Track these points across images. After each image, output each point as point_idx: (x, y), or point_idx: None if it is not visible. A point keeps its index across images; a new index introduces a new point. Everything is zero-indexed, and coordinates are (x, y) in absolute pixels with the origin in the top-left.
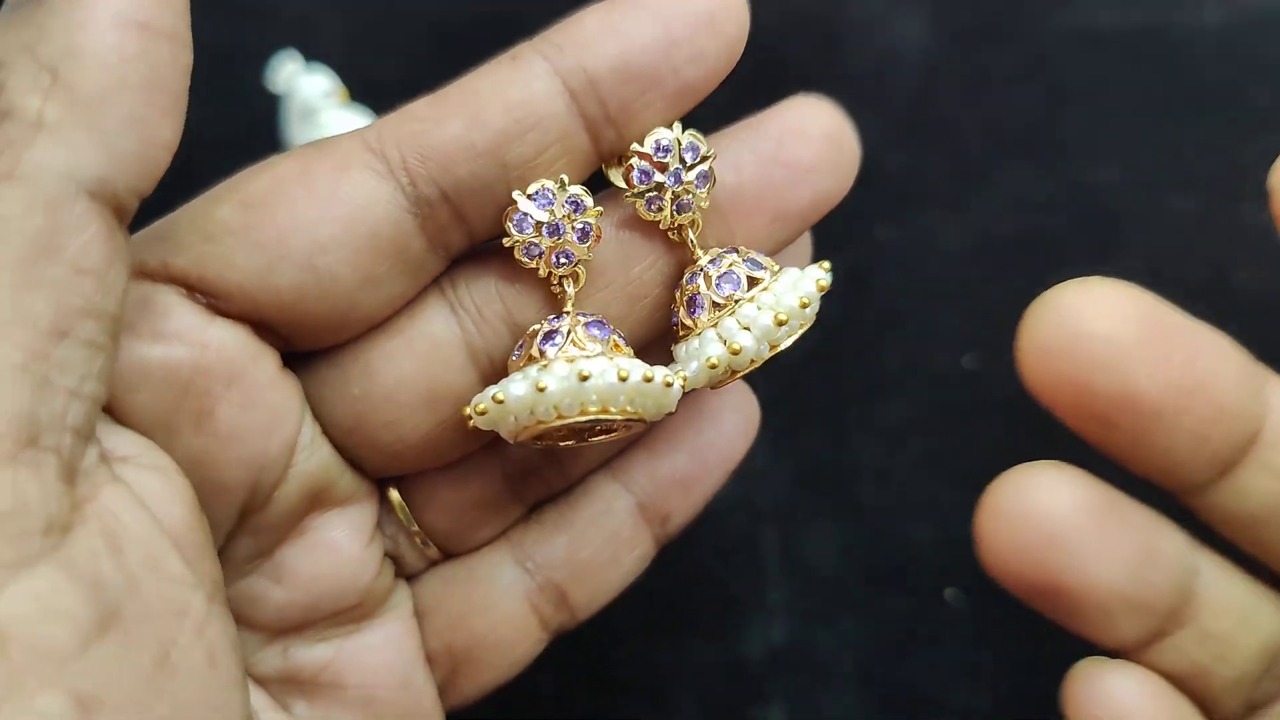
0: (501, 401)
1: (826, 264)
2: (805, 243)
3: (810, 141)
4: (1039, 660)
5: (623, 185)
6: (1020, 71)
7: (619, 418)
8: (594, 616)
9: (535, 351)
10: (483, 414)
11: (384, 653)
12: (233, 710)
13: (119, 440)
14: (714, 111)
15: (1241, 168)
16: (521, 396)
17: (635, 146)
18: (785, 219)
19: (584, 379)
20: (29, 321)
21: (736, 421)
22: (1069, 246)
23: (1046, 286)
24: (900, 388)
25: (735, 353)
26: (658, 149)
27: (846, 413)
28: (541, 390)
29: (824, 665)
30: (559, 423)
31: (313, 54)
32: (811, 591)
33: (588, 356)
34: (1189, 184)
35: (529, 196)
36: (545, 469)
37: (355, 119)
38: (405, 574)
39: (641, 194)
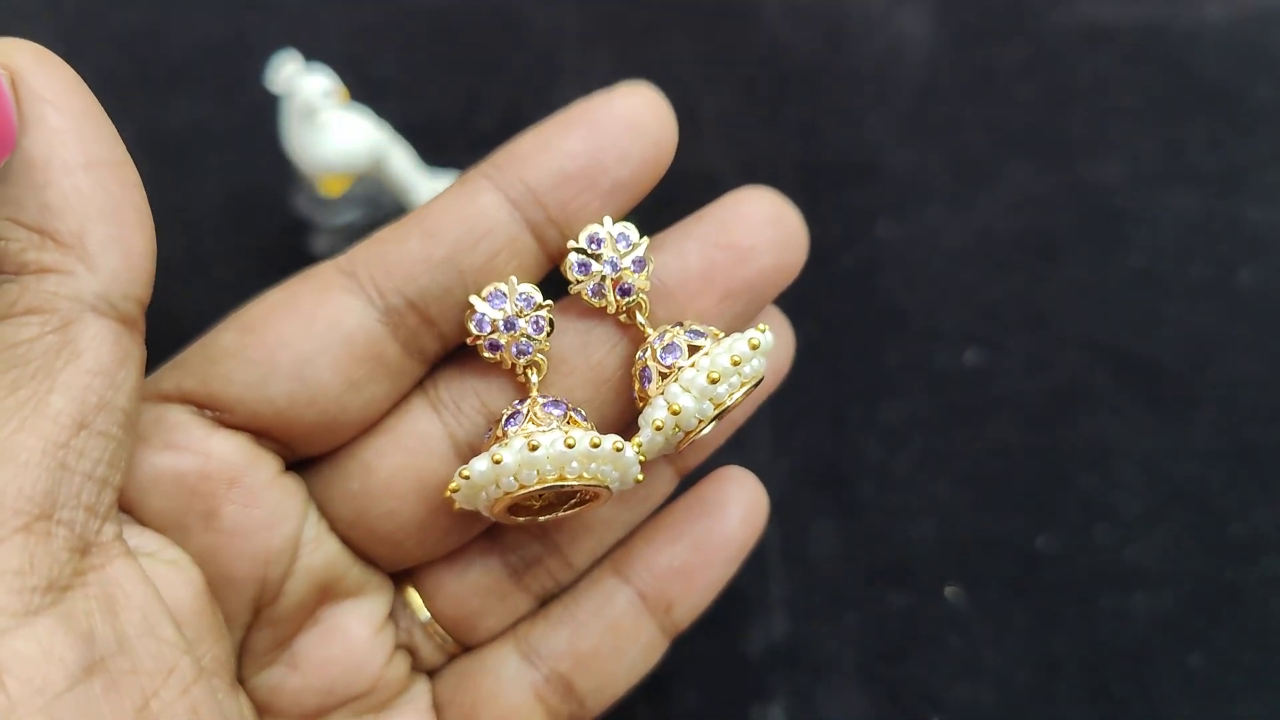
0: (468, 477)
1: (764, 326)
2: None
3: (750, 224)
4: (1039, 657)
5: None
6: (1023, 69)
7: (577, 484)
8: None
9: (499, 432)
10: (456, 490)
11: None
12: None
13: (142, 538)
14: (720, 115)
15: (1243, 165)
16: (484, 470)
17: (570, 243)
18: (733, 296)
19: (534, 449)
20: (49, 417)
21: (740, 512)
22: (1071, 244)
23: (1047, 284)
24: (902, 385)
25: (675, 412)
26: (591, 241)
27: (848, 410)
28: (498, 462)
29: (825, 662)
30: (522, 492)
31: (312, 53)
32: (812, 588)
33: (542, 430)
34: (1191, 181)
35: (484, 298)
36: (547, 559)
37: (355, 118)
38: (424, 668)
39: (583, 283)
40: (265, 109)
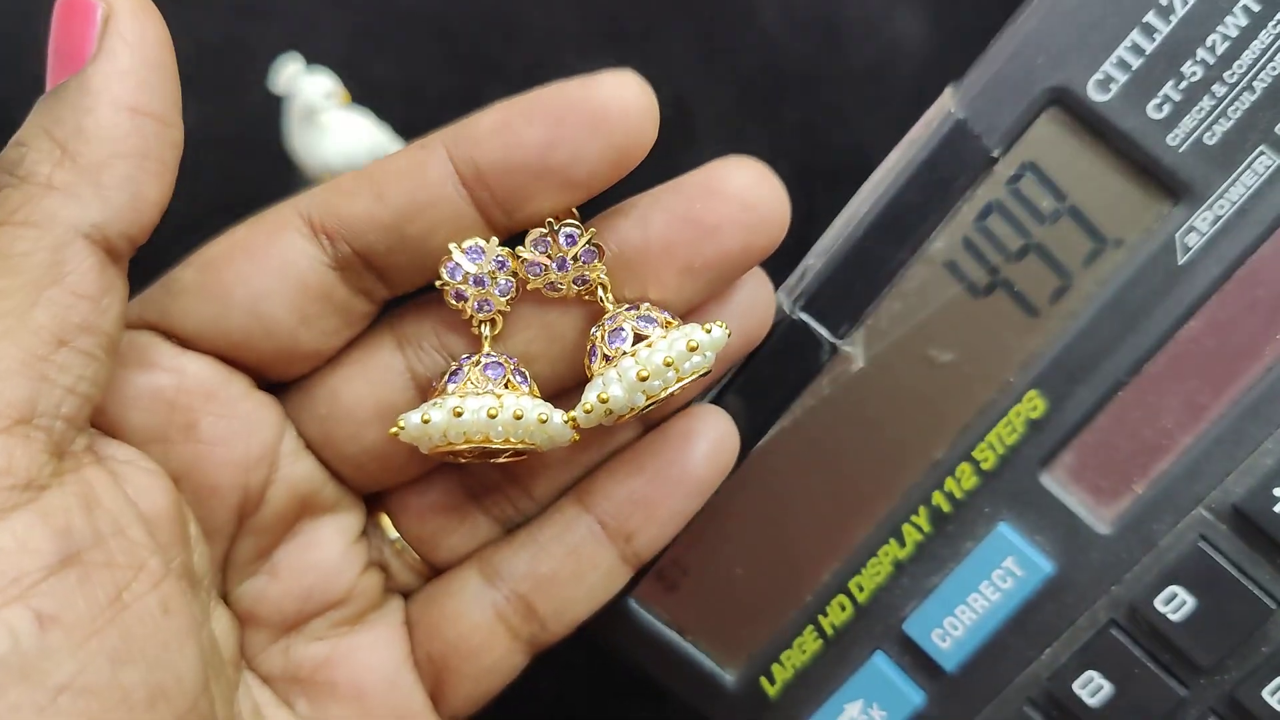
0: (403, 427)
1: (710, 325)
2: (762, 286)
3: (720, 200)
4: None
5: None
6: None
7: (503, 445)
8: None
9: (440, 386)
10: (399, 432)
11: (373, 652)
12: (183, 655)
13: (119, 450)
14: (718, 116)
15: None
16: (415, 424)
17: (519, 248)
18: (693, 274)
19: (458, 415)
20: (32, 329)
21: (706, 447)
22: None
23: None
24: None
25: (604, 400)
26: (537, 244)
27: None
28: (426, 422)
29: None
30: (450, 448)
31: (313, 54)
32: None
33: (475, 394)
34: None
35: (463, 250)
36: (506, 486)
37: (356, 120)
38: (398, 589)
39: (537, 282)
40: (266, 112)
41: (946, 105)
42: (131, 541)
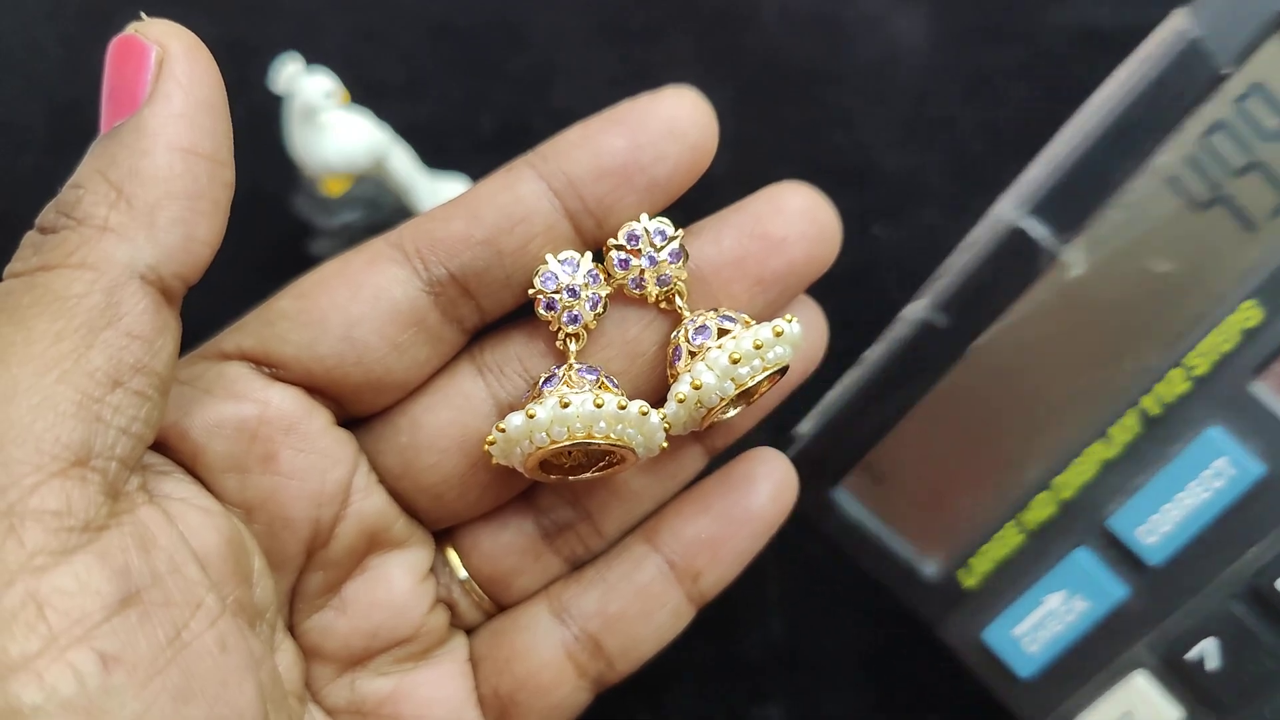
0: (504, 430)
1: (791, 316)
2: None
3: (785, 216)
4: None
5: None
6: (1019, 72)
7: (603, 443)
8: None
9: (536, 391)
10: (493, 444)
11: (438, 689)
12: (242, 692)
13: (176, 486)
14: (720, 115)
15: None
16: (519, 425)
17: (610, 241)
18: (765, 284)
19: (565, 406)
20: (87, 372)
21: (770, 489)
22: None
23: None
24: None
25: (697, 388)
26: (630, 238)
27: None
28: (531, 417)
29: (823, 662)
30: (553, 447)
31: (314, 54)
32: (809, 589)
33: (575, 391)
34: None
35: (560, 261)
36: (578, 524)
37: (356, 119)
38: (463, 625)
39: (624, 277)
40: (266, 111)
41: (1178, 24)
42: (188, 580)
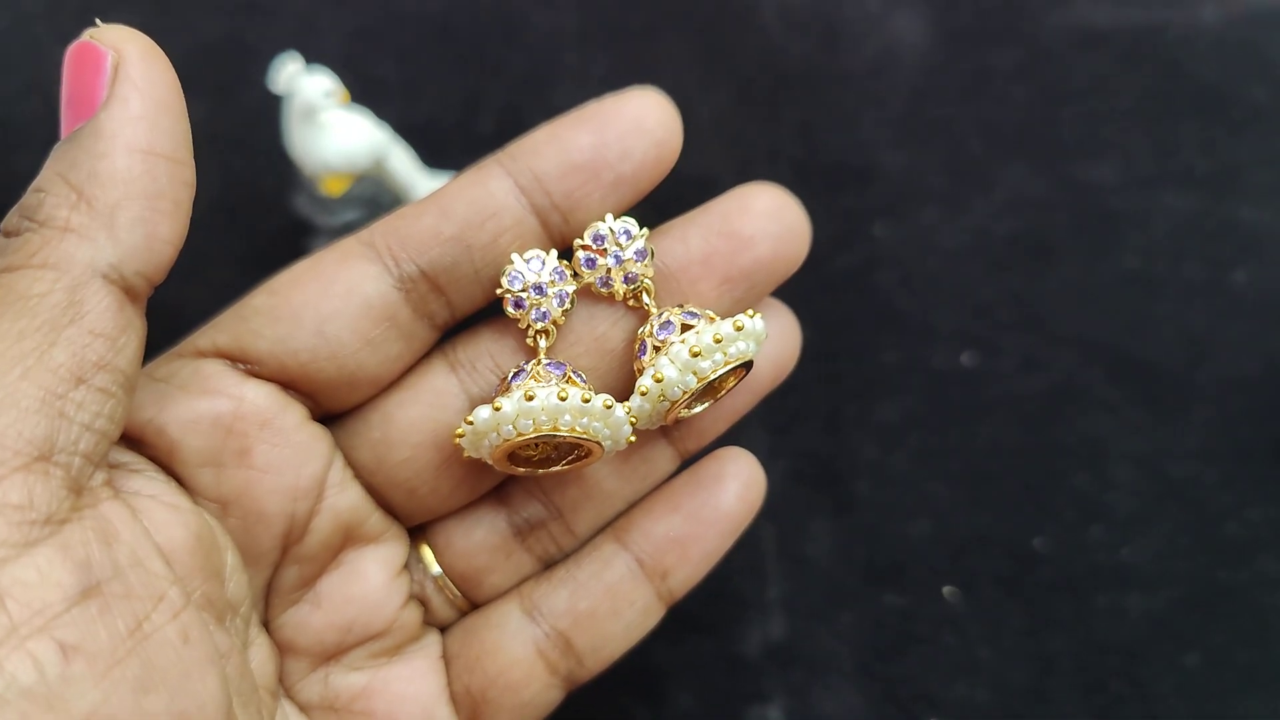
0: (472, 423)
1: (753, 311)
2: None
3: (752, 216)
4: (1035, 656)
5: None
6: (1017, 71)
7: (569, 435)
8: None
9: (505, 386)
10: (462, 436)
11: (410, 684)
12: (205, 684)
13: (146, 484)
14: (717, 117)
15: (1237, 166)
16: (486, 418)
17: (576, 240)
18: (732, 282)
19: (529, 399)
20: (51, 368)
21: (737, 489)
22: (1066, 245)
23: (1042, 285)
24: (898, 385)
25: (659, 380)
26: (595, 238)
27: (844, 410)
28: (498, 410)
29: (822, 661)
30: (520, 439)
31: (313, 54)
32: (810, 588)
33: (541, 386)
34: (1186, 182)
35: (525, 260)
36: (550, 523)
37: (356, 119)
38: (436, 622)
39: (591, 276)
40: (265, 111)
41: None
42: (150, 573)
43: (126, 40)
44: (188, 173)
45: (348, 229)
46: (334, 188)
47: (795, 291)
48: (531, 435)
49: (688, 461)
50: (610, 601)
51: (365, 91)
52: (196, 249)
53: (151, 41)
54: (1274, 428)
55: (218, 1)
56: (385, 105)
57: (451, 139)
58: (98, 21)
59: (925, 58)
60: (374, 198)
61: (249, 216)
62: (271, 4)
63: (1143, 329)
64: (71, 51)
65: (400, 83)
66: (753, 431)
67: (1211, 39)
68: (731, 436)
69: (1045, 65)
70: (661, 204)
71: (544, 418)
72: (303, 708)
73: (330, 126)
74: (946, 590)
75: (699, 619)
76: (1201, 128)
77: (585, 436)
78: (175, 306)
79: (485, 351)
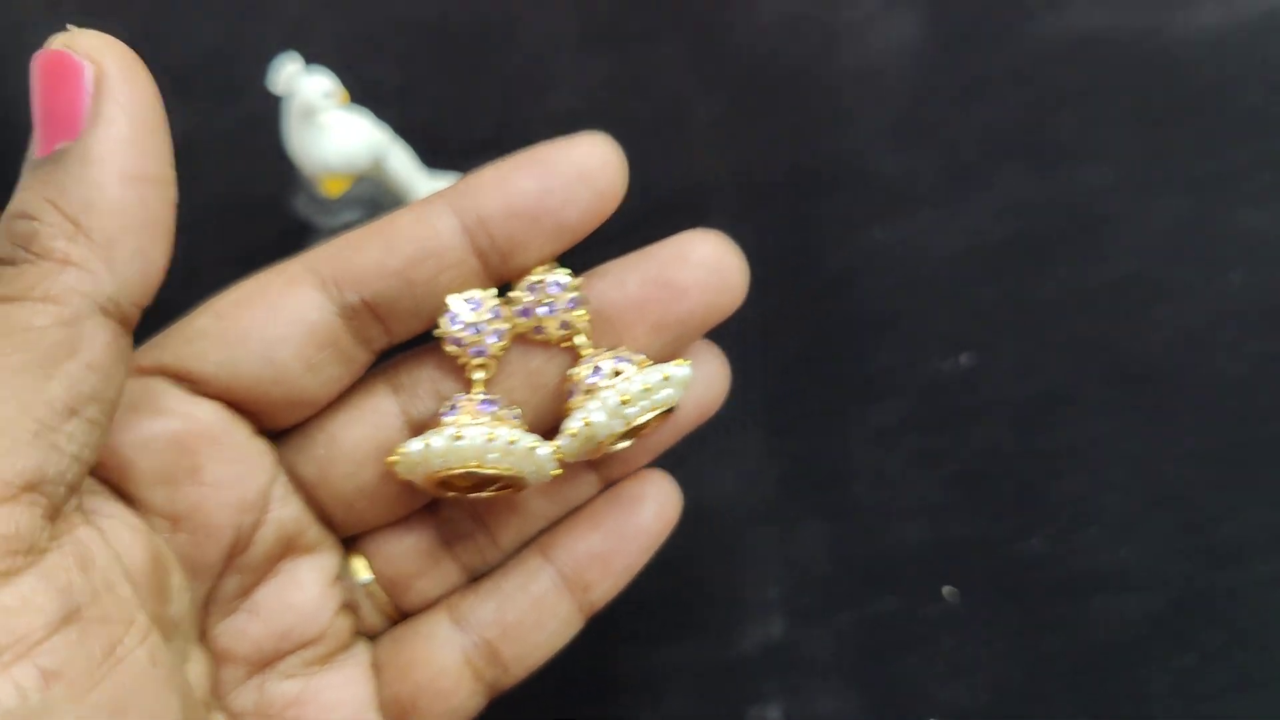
0: (404, 453)
1: (683, 360)
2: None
3: (688, 266)
4: (1032, 657)
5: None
6: (1013, 74)
7: (494, 472)
8: (595, 616)
9: (437, 420)
10: (395, 463)
11: (341, 692)
12: (169, 705)
13: (106, 505)
14: (713, 120)
15: (1234, 170)
16: (418, 450)
17: (513, 293)
18: (664, 329)
19: (458, 439)
20: (46, 401)
21: (655, 508)
22: (1061, 248)
23: (1038, 288)
24: (893, 388)
25: (588, 424)
26: (530, 289)
27: (840, 413)
28: (428, 446)
29: (820, 663)
30: (447, 472)
31: (310, 58)
32: (807, 590)
33: (472, 423)
34: (1181, 186)
35: (464, 299)
36: (477, 535)
37: (355, 120)
38: (366, 631)
39: (525, 324)
40: (264, 113)
41: None
42: (120, 597)
43: (104, 52)
44: (173, 191)
45: (348, 229)
46: (334, 188)
47: (793, 293)
48: (459, 470)
49: (609, 486)
50: (536, 613)
51: (362, 96)
52: (196, 250)
53: (130, 51)
54: (1269, 430)
55: (217, 2)
56: (382, 110)
57: (448, 143)
58: (69, 27)
59: (920, 61)
60: (374, 198)
61: (249, 217)
62: (269, 8)
63: (1137, 332)
64: (43, 59)
65: (397, 87)
66: (749, 434)
67: (1208, 43)
68: (729, 440)
69: (1040, 68)
70: (659, 204)
71: (471, 455)
72: (236, 716)
73: (330, 127)
74: (946, 590)
75: (697, 621)
76: (1198, 130)
77: (510, 474)
78: (174, 310)
79: (426, 377)
